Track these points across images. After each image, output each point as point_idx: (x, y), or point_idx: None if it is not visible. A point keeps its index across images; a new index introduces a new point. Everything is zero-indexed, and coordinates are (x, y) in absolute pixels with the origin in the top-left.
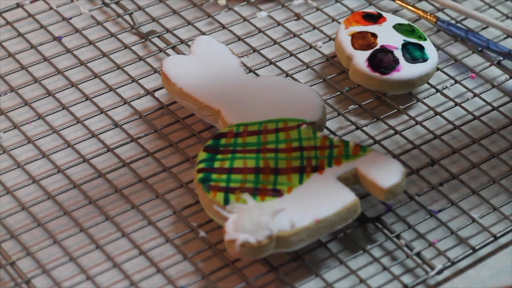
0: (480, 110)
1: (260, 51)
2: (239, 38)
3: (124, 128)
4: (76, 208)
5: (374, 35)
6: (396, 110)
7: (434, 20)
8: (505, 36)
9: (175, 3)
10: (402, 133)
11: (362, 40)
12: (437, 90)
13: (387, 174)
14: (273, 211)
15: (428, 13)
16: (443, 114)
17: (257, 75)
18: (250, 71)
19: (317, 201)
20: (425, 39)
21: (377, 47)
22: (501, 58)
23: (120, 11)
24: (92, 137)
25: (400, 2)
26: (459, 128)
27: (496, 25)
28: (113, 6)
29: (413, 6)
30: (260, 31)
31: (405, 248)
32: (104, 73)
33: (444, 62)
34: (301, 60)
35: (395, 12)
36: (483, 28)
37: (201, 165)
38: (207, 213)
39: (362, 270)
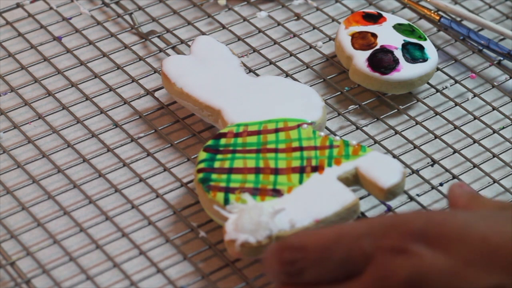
0: (480, 110)
1: (260, 51)
2: (239, 38)
3: (124, 128)
4: (76, 208)
5: (374, 35)
6: (396, 110)
7: (438, 18)
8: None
9: (175, 3)
10: (402, 133)
11: (362, 40)
12: (437, 90)
13: (387, 174)
14: (273, 211)
15: (432, 11)
16: (443, 114)
17: (257, 75)
18: (250, 71)
19: (317, 201)
20: (425, 39)
21: (377, 47)
22: (501, 58)
23: (120, 11)
24: (92, 137)
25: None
26: (459, 128)
27: (491, 27)
28: (113, 6)
29: (417, 3)
30: (260, 31)
31: None
32: (104, 73)
33: (444, 62)
34: (301, 60)
35: (395, 12)
36: (482, 29)
37: (201, 165)
38: (207, 213)
39: None
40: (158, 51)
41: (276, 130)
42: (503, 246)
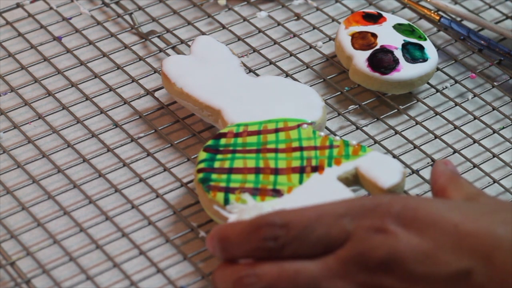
0: (480, 110)
1: (260, 51)
2: (239, 38)
3: (124, 128)
4: (76, 208)
5: (374, 35)
6: (396, 110)
7: (438, 18)
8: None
9: (175, 3)
10: (402, 133)
11: (362, 40)
12: (437, 90)
13: (387, 174)
14: None
15: (432, 11)
16: (443, 114)
17: (257, 75)
18: (250, 71)
19: (317, 201)
20: (425, 39)
21: (377, 47)
22: (502, 58)
23: (120, 11)
24: (92, 137)
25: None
26: (459, 128)
27: (492, 27)
28: (113, 6)
29: (417, 3)
30: (260, 31)
31: None
32: (104, 73)
33: (444, 62)
34: (301, 60)
35: (395, 12)
36: (482, 29)
37: (201, 165)
38: (207, 213)
39: None
40: (158, 51)
41: (276, 130)
42: (473, 233)
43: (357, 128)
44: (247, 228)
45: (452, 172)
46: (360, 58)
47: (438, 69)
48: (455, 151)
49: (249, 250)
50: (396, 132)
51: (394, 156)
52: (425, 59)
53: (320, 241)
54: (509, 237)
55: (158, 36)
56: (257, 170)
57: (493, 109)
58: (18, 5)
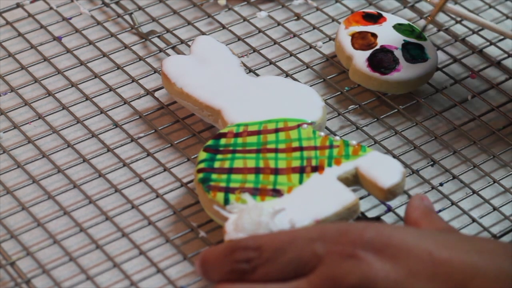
0: (480, 110)
1: (260, 51)
2: (239, 38)
3: (124, 128)
4: (76, 208)
5: (374, 35)
6: (396, 110)
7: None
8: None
9: (175, 3)
10: (402, 133)
11: (362, 40)
12: (437, 90)
13: (387, 174)
14: (273, 211)
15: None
16: (443, 114)
17: (257, 75)
18: (250, 71)
19: (317, 201)
20: (425, 39)
21: (377, 47)
22: (501, 58)
23: (120, 11)
24: (92, 137)
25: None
26: (459, 128)
27: (492, 27)
28: (113, 6)
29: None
30: (260, 31)
31: None
32: (104, 73)
33: (444, 62)
34: (301, 60)
35: (395, 12)
36: (482, 29)
37: (201, 165)
38: (207, 213)
39: None
40: (158, 51)
41: (276, 130)
42: (448, 261)
43: (357, 128)
44: (223, 252)
45: (427, 207)
46: (360, 58)
47: (438, 69)
48: (455, 151)
49: (224, 273)
50: (396, 132)
51: (394, 156)
52: (425, 59)
53: (291, 264)
54: (485, 266)
55: (158, 36)
56: (257, 170)
57: (493, 109)
58: (18, 5)
